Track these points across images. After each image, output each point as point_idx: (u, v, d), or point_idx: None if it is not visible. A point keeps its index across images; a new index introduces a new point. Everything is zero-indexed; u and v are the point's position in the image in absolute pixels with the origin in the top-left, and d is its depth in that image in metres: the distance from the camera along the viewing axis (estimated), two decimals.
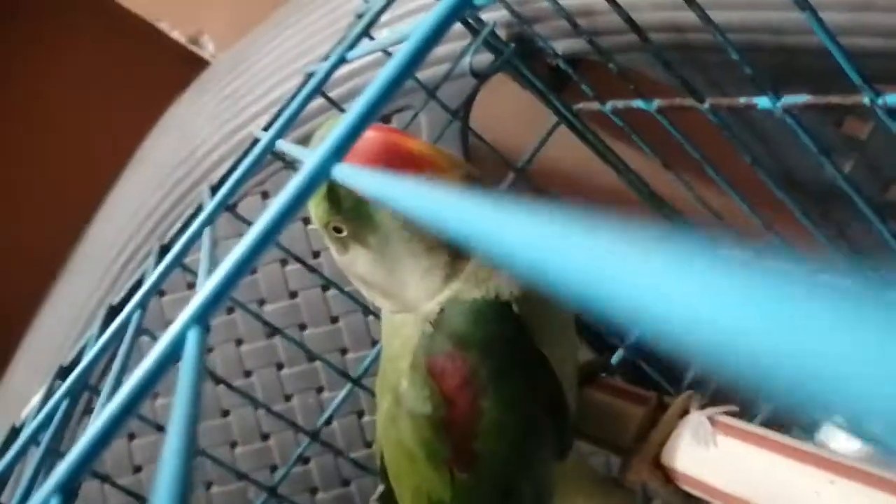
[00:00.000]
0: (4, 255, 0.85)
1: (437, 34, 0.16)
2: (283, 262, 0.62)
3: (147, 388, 0.14)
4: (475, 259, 0.33)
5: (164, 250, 0.42)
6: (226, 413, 0.64)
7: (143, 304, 0.33)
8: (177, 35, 0.63)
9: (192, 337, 0.16)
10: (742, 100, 0.35)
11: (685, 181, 0.46)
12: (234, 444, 0.64)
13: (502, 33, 0.49)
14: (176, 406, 0.12)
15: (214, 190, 0.42)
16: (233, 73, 0.59)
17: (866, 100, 0.29)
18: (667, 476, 0.38)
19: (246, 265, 0.17)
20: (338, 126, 0.17)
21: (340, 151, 0.17)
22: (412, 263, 0.33)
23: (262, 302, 0.63)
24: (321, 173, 0.17)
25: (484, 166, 0.55)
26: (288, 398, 0.64)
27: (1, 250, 0.87)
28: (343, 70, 0.57)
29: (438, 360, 0.33)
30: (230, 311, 0.62)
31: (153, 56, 0.67)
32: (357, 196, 0.31)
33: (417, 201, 0.11)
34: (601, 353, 0.57)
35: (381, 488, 0.47)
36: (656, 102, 0.40)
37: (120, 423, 0.14)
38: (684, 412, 0.38)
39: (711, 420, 0.37)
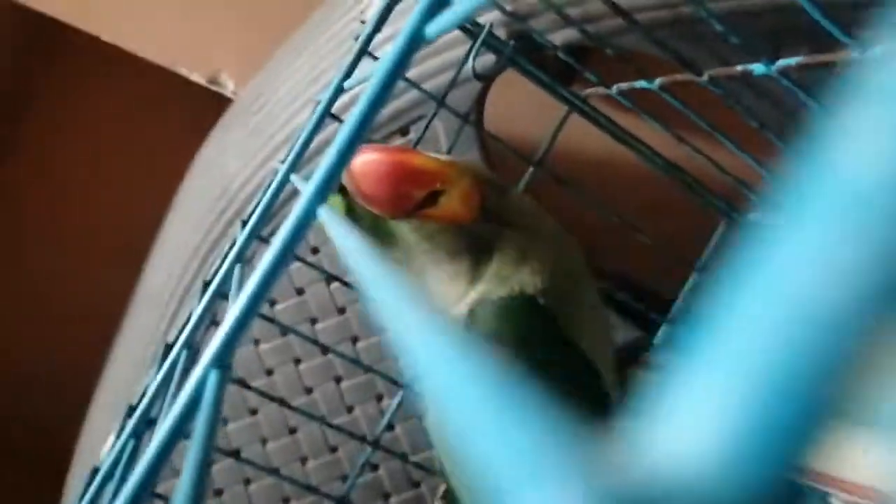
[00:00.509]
0: (75, 304, 0.90)
1: (398, 69, 0.17)
2: (328, 281, 0.64)
3: (174, 436, 0.16)
4: (497, 259, 0.34)
5: (207, 286, 0.45)
6: (293, 430, 0.66)
7: (188, 343, 0.35)
8: (196, 77, 0.66)
9: (213, 379, 0.18)
10: (738, 67, 0.35)
11: (702, 153, 0.46)
12: (304, 460, 0.66)
13: (502, 32, 0.49)
14: (191, 449, 0.14)
15: (245, 223, 0.44)
16: (254, 107, 0.61)
17: (855, 54, 0.29)
18: None
19: (253, 307, 0.19)
20: (319, 168, 0.18)
21: (323, 192, 0.18)
22: (436, 271, 0.34)
23: (313, 321, 0.66)
24: (308, 216, 0.18)
25: (506, 164, 0.56)
26: (350, 409, 0.66)
27: (71, 300, 0.92)
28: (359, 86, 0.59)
29: None
30: (284, 333, 0.64)
31: (178, 100, 0.70)
32: (375, 215, 0.33)
33: (365, 273, 0.12)
34: (645, 331, 0.58)
35: (443, 487, 0.48)
36: (658, 80, 0.40)
37: (156, 470, 0.16)
38: None
39: None
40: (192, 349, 0.35)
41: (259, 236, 0.47)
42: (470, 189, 0.32)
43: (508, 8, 0.46)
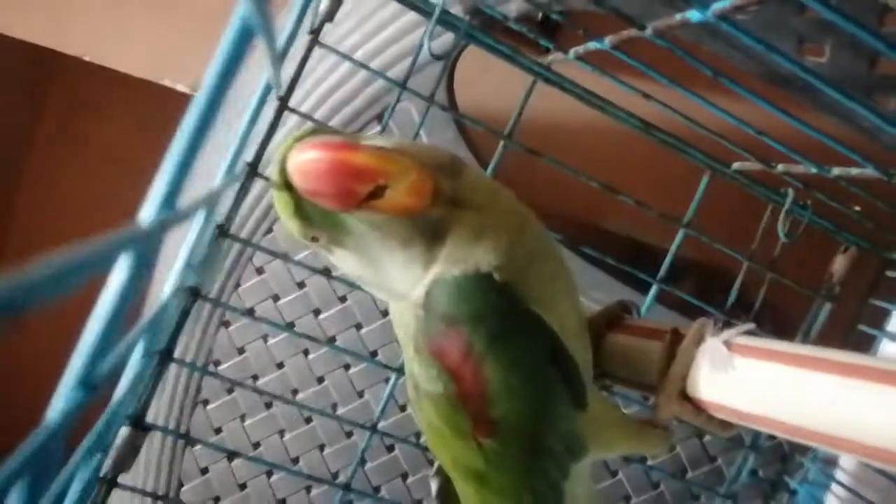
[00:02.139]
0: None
1: (223, 85, 0.17)
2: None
3: None
4: (451, 241, 0.34)
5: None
6: (308, 420, 0.68)
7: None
8: (181, 87, 0.67)
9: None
10: (677, 17, 0.34)
11: (669, 107, 0.45)
12: (322, 447, 0.68)
13: (458, 10, 0.49)
14: None
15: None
16: (234, 109, 0.62)
17: None
18: (696, 407, 0.38)
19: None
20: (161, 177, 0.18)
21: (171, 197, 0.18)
22: (391, 258, 0.34)
23: (317, 312, 0.67)
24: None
25: (488, 140, 0.55)
26: (360, 394, 0.67)
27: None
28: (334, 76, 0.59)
29: (435, 340, 0.35)
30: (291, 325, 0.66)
31: (171, 112, 0.71)
32: (324, 209, 0.33)
33: None
34: (638, 290, 0.57)
35: (436, 464, 0.48)
36: (607, 39, 0.39)
37: None
38: (701, 340, 0.37)
39: (727, 343, 0.36)
40: None
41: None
42: (417, 180, 0.32)
43: None
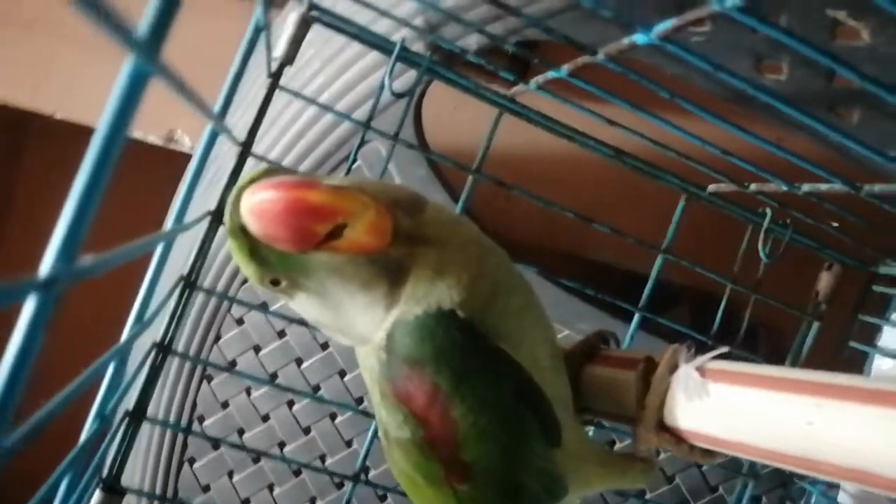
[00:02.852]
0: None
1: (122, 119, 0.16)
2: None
3: None
4: (412, 279, 0.33)
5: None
6: (298, 473, 0.66)
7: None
8: (153, 139, 0.67)
9: None
10: (625, 41, 0.34)
11: (636, 132, 0.45)
12: (313, 500, 0.66)
13: (420, 47, 0.49)
14: None
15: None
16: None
17: (716, 6, 0.27)
18: (676, 436, 0.36)
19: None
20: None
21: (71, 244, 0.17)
22: (352, 300, 0.33)
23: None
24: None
25: (461, 175, 0.54)
26: (349, 443, 0.65)
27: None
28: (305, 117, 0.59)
29: (400, 383, 0.33)
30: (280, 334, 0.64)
31: (140, 164, 0.71)
32: (281, 252, 0.32)
33: None
34: (624, 319, 0.56)
35: None
36: (564, 68, 0.39)
37: None
38: (675, 367, 0.36)
39: (700, 369, 0.35)
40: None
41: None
42: (376, 218, 0.31)
43: (418, 22, 0.45)
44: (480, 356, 0.33)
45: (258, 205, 0.30)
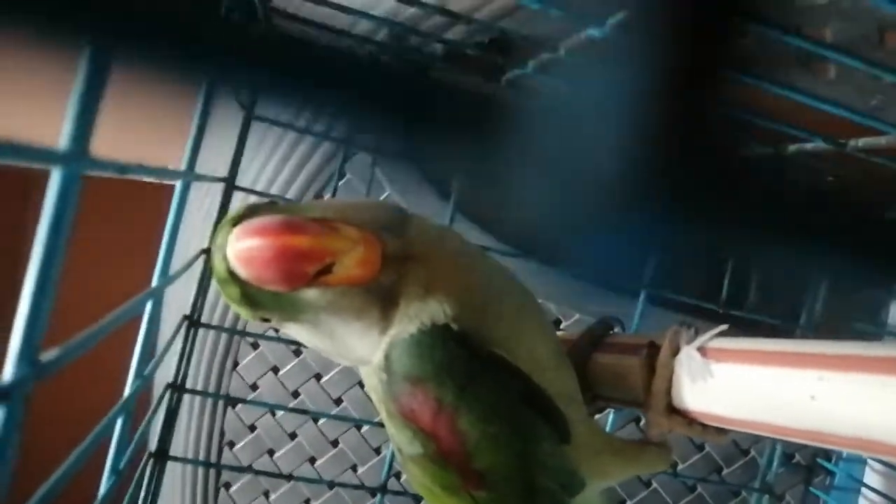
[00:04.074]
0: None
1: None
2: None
3: None
4: (404, 300, 0.33)
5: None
6: (332, 486, 0.67)
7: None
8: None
9: None
10: (582, 35, 0.33)
11: None
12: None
13: (388, 59, 0.48)
14: None
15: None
16: (202, 189, 0.63)
17: None
18: (686, 418, 0.36)
19: None
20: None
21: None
22: (346, 328, 0.33)
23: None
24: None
25: None
26: (377, 451, 0.66)
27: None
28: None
29: (403, 401, 0.34)
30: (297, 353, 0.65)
31: (134, 203, 0.72)
32: (272, 291, 0.32)
33: None
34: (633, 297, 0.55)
35: None
36: (530, 64, 0.39)
37: None
38: (677, 350, 0.36)
39: (702, 350, 0.35)
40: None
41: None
42: (366, 252, 0.31)
43: (381, 37, 0.45)
44: (479, 365, 0.33)
45: (246, 251, 0.30)
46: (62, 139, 0.16)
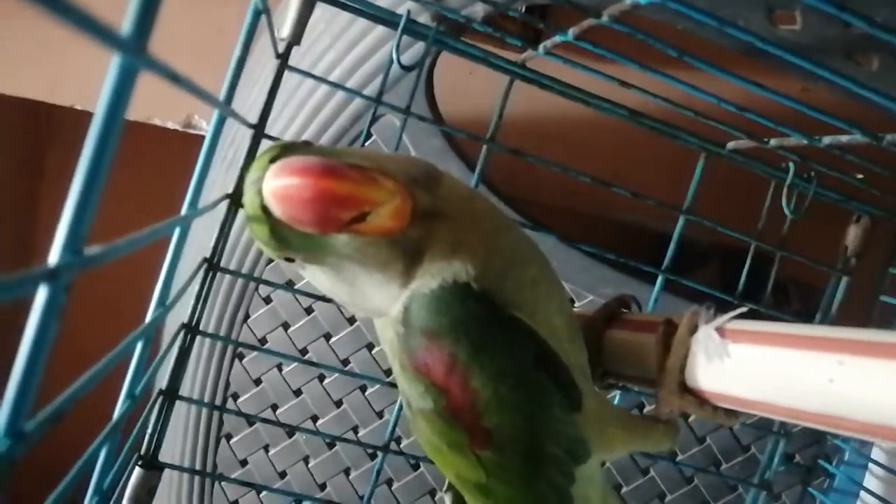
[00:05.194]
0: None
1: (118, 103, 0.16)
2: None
3: None
4: (429, 256, 0.33)
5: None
6: (332, 445, 0.67)
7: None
8: (171, 125, 0.68)
9: None
10: (627, 2, 0.33)
11: (650, 93, 0.44)
12: (347, 471, 0.67)
13: (426, 18, 0.48)
14: None
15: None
16: (227, 140, 0.63)
17: None
18: (698, 398, 0.36)
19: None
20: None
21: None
22: (369, 278, 0.34)
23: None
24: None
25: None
26: (380, 414, 0.67)
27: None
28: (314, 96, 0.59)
29: (418, 355, 0.34)
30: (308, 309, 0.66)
31: (160, 149, 0.72)
32: (302, 232, 0.32)
33: None
34: (649, 282, 0.55)
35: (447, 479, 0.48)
36: (570, 31, 0.39)
37: None
38: (694, 329, 0.36)
39: (720, 330, 0.35)
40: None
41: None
42: (401, 204, 0.31)
43: None
44: (497, 325, 0.34)
45: (283, 189, 0.29)
46: (124, 27, 0.16)
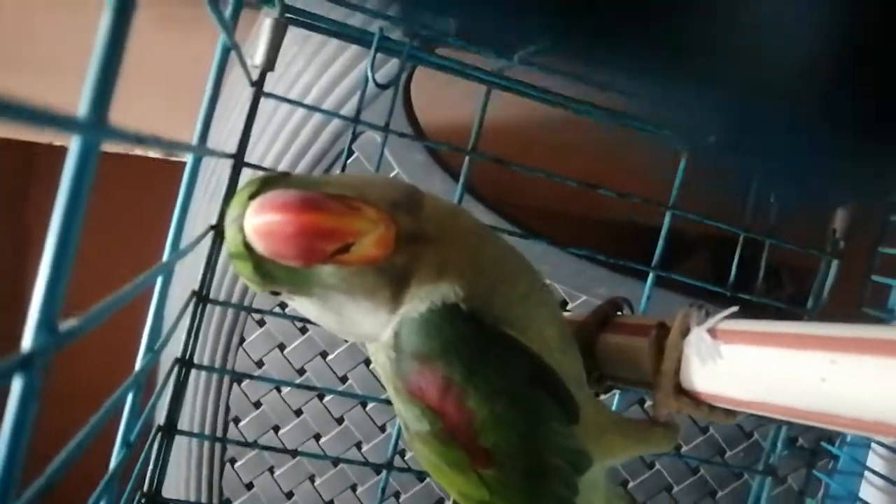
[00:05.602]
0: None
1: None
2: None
3: None
4: (416, 280, 0.33)
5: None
6: (336, 462, 0.67)
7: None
8: (152, 154, 0.68)
9: None
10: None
11: (626, 91, 0.44)
12: (354, 487, 0.67)
13: (399, 35, 0.48)
14: None
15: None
16: (208, 169, 0.62)
17: None
18: (694, 399, 0.36)
19: None
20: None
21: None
22: (356, 306, 0.33)
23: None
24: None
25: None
26: (382, 428, 0.66)
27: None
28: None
29: (412, 379, 0.34)
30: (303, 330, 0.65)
31: (143, 180, 0.72)
32: (286, 265, 0.31)
33: None
34: (641, 279, 0.55)
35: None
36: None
37: None
38: (687, 331, 0.36)
39: (712, 331, 0.35)
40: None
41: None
42: (384, 231, 0.30)
43: (392, 11, 0.44)
44: (489, 345, 0.33)
45: (265, 226, 0.29)
46: (81, 107, 0.15)
